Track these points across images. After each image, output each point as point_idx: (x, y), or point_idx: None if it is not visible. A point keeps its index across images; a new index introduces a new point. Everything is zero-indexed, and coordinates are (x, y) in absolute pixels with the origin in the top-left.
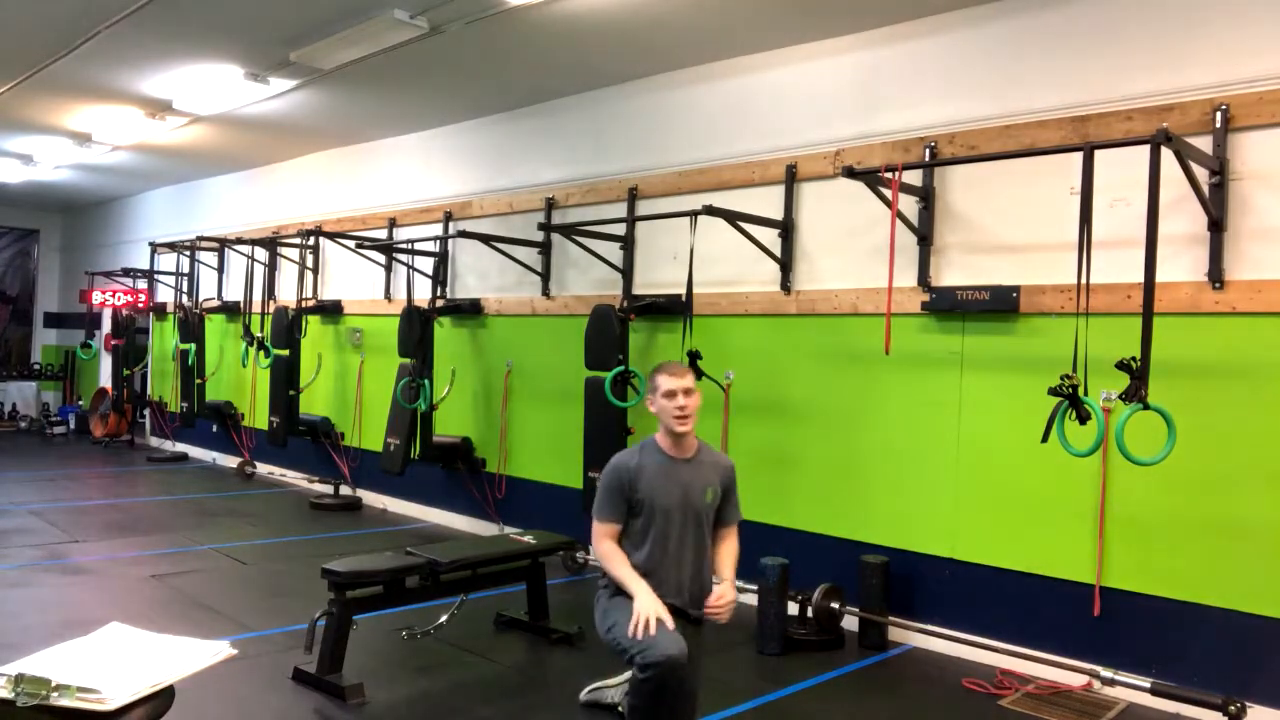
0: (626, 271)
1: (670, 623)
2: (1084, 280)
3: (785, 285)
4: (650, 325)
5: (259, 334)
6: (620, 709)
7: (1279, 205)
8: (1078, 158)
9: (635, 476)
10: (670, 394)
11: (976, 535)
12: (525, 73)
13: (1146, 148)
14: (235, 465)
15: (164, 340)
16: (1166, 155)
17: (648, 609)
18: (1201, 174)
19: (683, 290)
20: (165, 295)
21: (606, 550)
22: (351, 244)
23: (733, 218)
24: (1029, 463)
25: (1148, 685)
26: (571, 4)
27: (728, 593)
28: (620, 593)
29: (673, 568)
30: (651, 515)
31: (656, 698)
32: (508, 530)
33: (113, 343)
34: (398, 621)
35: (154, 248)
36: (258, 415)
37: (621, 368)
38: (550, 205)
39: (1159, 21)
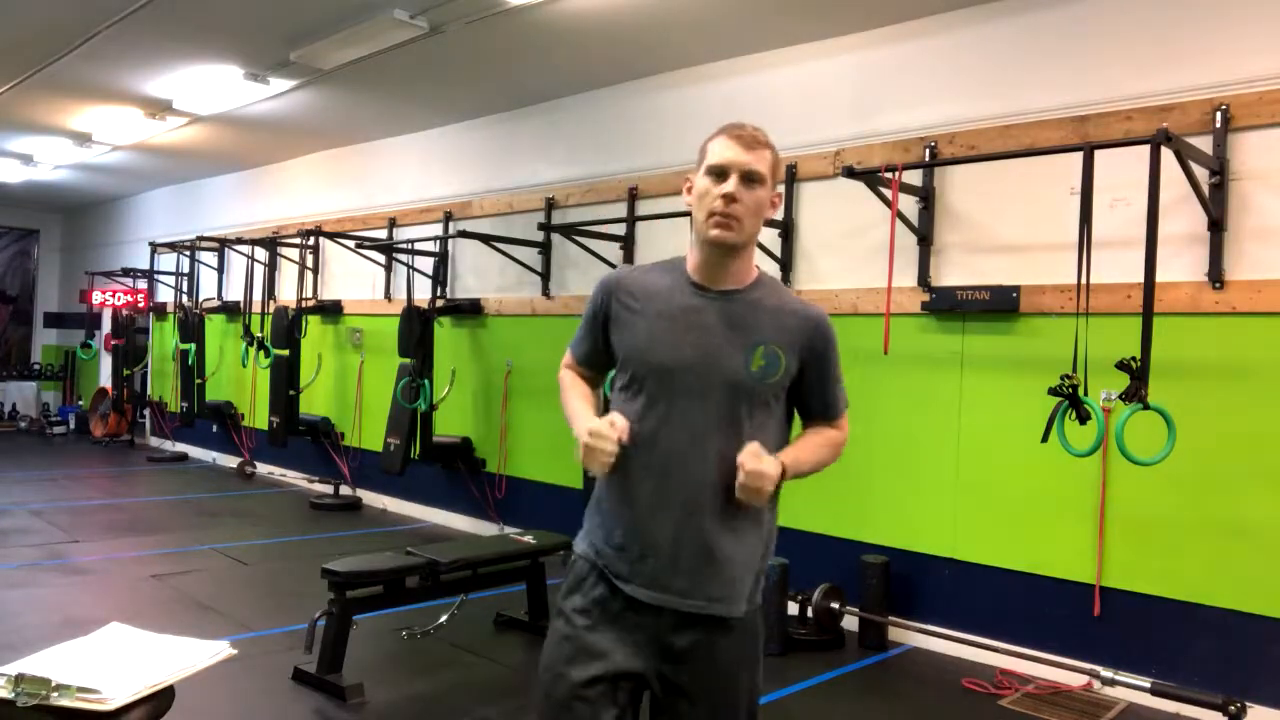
0: None
1: (620, 433)
2: (1084, 280)
3: (785, 285)
4: None
5: (259, 334)
6: None
7: (1279, 205)
8: (1078, 158)
9: (622, 296)
10: (719, 172)
11: (976, 535)
12: (525, 73)
13: (1146, 148)
14: (235, 465)
15: (164, 340)
16: (1166, 155)
17: (589, 436)
18: (1201, 174)
19: None
20: (165, 295)
21: (565, 379)
22: (351, 244)
23: None
24: (1029, 463)
25: (1148, 685)
26: (571, 4)
27: (764, 462)
28: (561, 606)
29: (663, 493)
30: (640, 381)
31: None
32: (508, 530)
33: (113, 343)
34: (398, 621)
35: (154, 248)
36: (258, 415)
37: None
38: (550, 205)
39: (1159, 21)
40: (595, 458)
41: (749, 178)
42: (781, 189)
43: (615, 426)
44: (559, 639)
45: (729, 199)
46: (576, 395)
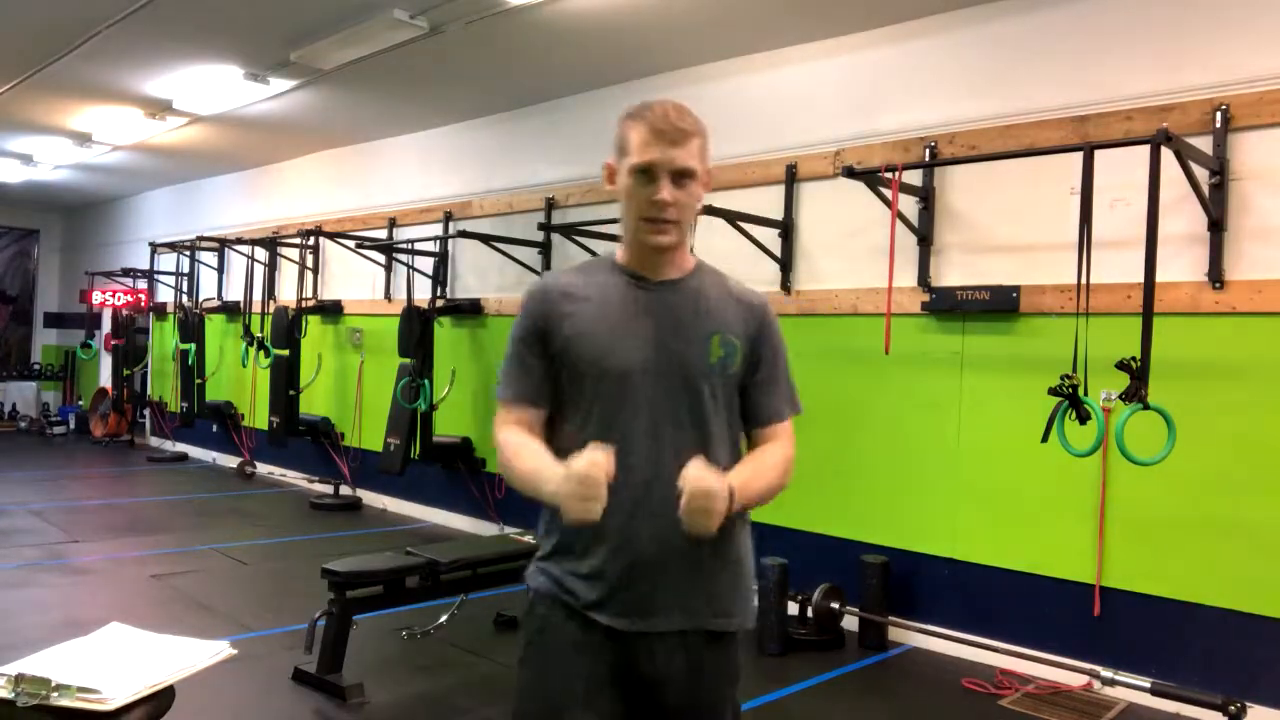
0: None
1: (609, 470)
2: (1084, 280)
3: (785, 285)
4: None
5: (259, 334)
6: None
7: (1279, 205)
8: (1078, 158)
9: (561, 303)
10: (647, 171)
11: (976, 535)
12: (525, 73)
13: (1146, 148)
14: (235, 465)
15: (164, 340)
16: (1166, 155)
17: (570, 481)
18: (1201, 174)
19: None
20: (165, 295)
21: (506, 441)
22: (351, 244)
23: (732, 218)
24: (1029, 463)
25: (1148, 685)
26: (571, 4)
27: (709, 478)
28: (526, 654)
29: (641, 509)
30: (597, 391)
31: None
32: (508, 530)
33: (113, 343)
34: (398, 621)
35: (154, 248)
36: (258, 415)
37: None
38: (550, 205)
39: (1159, 21)
40: (583, 505)
41: (680, 175)
42: (712, 166)
43: (600, 462)
44: (533, 687)
45: (662, 205)
46: (529, 452)
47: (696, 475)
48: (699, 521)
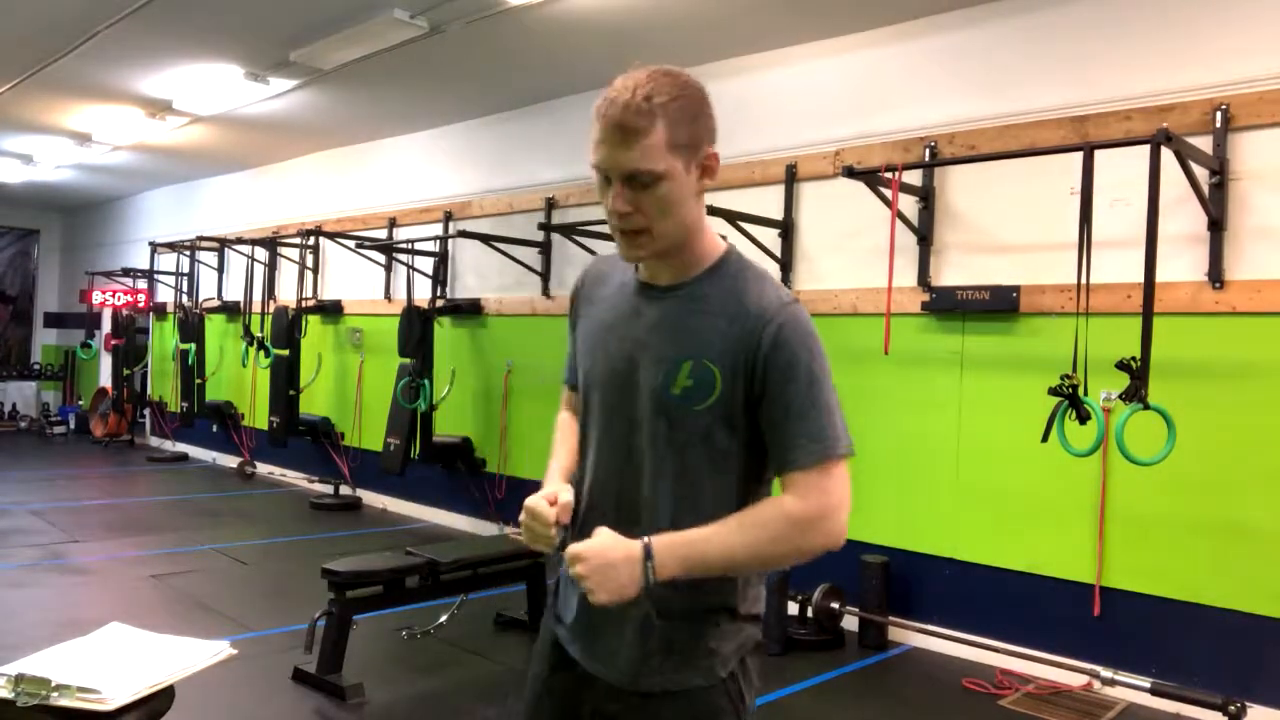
0: None
1: (560, 514)
2: (1084, 280)
3: (785, 285)
4: None
5: (259, 334)
6: None
7: (1279, 205)
8: (1078, 158)
9: (583, 297)
10: (602, 173)
11: (976, 535)
12: (525, 73)
13: (1146, 148)
14: (235, 465)
15: (164, 340)
16: (1166, 155)
17: (524, 515)
18: (1201, 174)
19: None
20: (165, 295)
21: (556, 428)
22: (351, 244)
23: (732, 218)
24: (1029, 463)
25: (1148, 685)
26: (571, 4)
27: (581, 546)
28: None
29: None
30: (585, 403)
31: None
32: (508, 530)
33: (113, 343)
34: (398, 621)
35: (154, 248)
36: (258, 415)
37: None
38: (550, 205)
39: (1159, 21)
40: (530, 537)
41: (636, 180)
42: (717, 149)
43: (556, 505)
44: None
45: (618, 215)
46: (559, 448)
47: (576, 543)
48: (590, 594)
